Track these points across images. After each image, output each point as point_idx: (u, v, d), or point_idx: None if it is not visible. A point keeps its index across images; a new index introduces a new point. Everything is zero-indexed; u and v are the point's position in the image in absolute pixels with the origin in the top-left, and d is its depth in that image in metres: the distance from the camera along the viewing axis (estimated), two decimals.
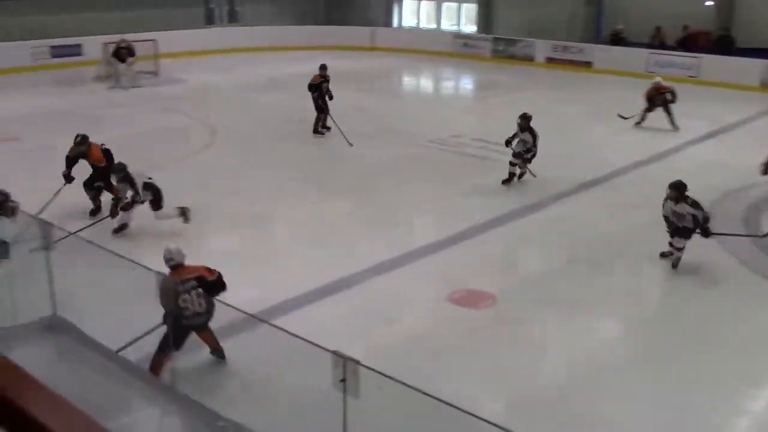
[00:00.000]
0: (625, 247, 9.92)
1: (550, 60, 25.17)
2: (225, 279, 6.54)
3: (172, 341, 6.00)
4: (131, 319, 6.60)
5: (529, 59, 25.56)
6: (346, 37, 27.98)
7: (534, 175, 12.44)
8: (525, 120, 12.25)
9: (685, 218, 8.93)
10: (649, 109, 16.35)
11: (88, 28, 22.97)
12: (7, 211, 7.41)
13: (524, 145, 12.19)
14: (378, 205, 11.50)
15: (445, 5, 29.76)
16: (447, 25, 29.87)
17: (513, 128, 15.21)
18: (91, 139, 10.86)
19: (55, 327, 4.75)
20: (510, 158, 12.32)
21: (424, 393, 4.28)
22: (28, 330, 4.69)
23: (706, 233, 8.98)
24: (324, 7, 30.32)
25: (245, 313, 5.84)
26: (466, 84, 25.27)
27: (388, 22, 30.46)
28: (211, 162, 13.78)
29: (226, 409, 5.33)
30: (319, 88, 15.32)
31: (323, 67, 15.59)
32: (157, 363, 5.99)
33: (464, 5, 29.17)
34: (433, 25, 30.07)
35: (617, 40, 25.29)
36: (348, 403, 4.40)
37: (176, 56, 23.61)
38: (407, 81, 25.75)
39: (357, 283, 8.70)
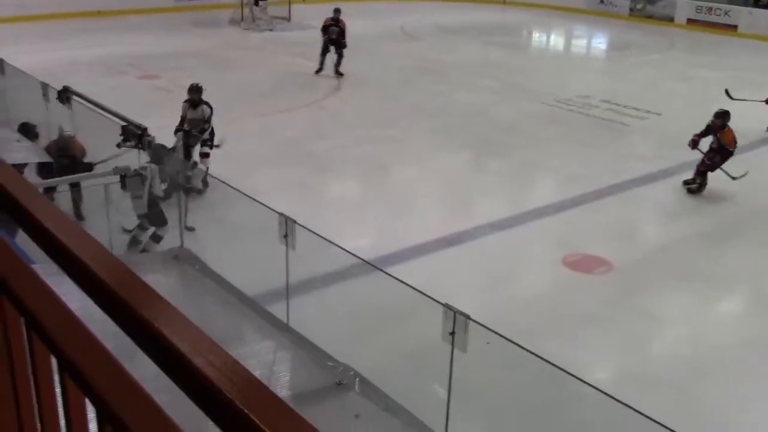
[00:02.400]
0: (758, 222, 9.41)
1: (692, 21, 23.84)
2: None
3: None
4: (250, 253, 6.86)
5: (668, 20, 24.31)
6: None
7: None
8: (196, 92, 9.60)
9: None
10: None
11: None
12: (144, 145, 7.78)
13: (195, 125, 9.46)
14: (497, 161, 11.36)
15: None
16: None
17: (646, 91, 14.59)
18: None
19: (182, 257, 4.99)
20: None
21: (532, 353, 4.26)
22: (158, 258, 4.97)
23: None
24: None
25: (360, 258, 5.95)
26: (599, 43, 24.35)
27: None
28: (337, 109, 13.97)
29: (335, 351, 5.48)
30: (327, 32, 15.57)
31: (335, 11, 15.80)
32: None
33: None
34: None
35: (767, 3, 23.63)
36: (455, 356, 4.44)
37: (308, 3, 23.88)
38: (537, 37, 25.07)
39: (473, 238, 8.67)
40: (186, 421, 0.98)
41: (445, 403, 4.67)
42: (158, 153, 7.45)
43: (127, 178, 6.99)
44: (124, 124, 7.47)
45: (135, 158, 7.52)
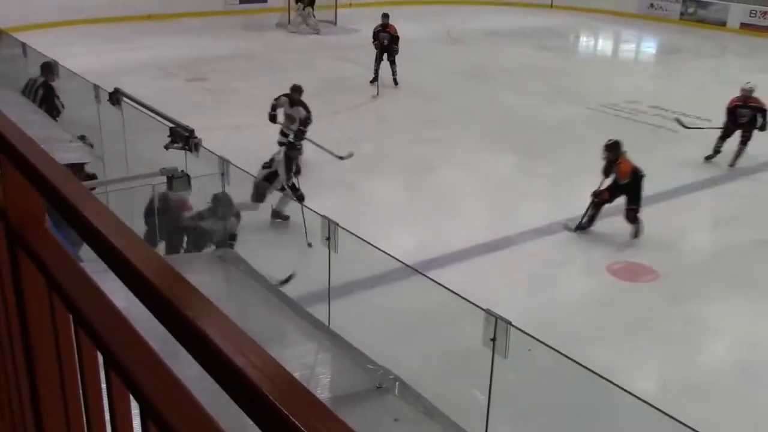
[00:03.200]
0: None
1: (745, 26, 23.35)
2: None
3: None
4: (294, 255, 6.92)
5: (720, 24, 23.83)
6: None
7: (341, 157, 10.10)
8: (298, 92, 10.47)
9: None
10: (726, 132, 11.38)
11: None
12: (191, 147, 7.89)
13: (291, 121, 10.28)
14: (542, 165, 11.26)
15: None
16: None
17: (696, 97, 14.32)
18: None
19: (227, 259, 5.05)
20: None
21: (574, 360, 4.22)
22: (203, 259, 5.04)
23: None
24: None
25: (402, 263, 5.96)
26: (648, 47, 23.98)
27: None
28: (382, 112, 14.01)
29: (376, 354, 5.48)
30: (377, 38, 15.23)
31: (383, 16, 15.50)
32: None
33: None
34: None
35: None
36: (496, 362, 4.41)
37: (353, 6, 24.01)
38: (585, 41, 24.80)
39: (516, 243, 8.62)
40: (227, 420, 0.99)
41: (484, 409, 4.65)
42: (220, 203, 7.18)
43: (174, 179, 7.10)
44: (172, 126, 7.59)
45: (182, 160, 7.63)
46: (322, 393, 3.83)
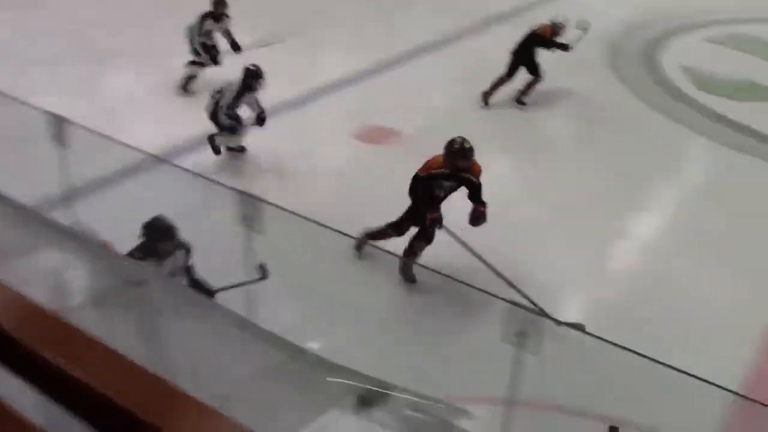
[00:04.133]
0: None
1: None
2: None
3: None
4: (25, 161, 6.40)
5: None
6: None
7: None
8: (223, 6, 9.12)
9: None
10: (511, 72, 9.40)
11: None
12: None
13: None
14: (291, 39, 11.10)
15: None
16: None
17: None
18: None
19: None
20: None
21: (326, 227, 4.40)
22: None
23: None
24: None
25: (146, 153, 5.75)
26: None
27: None
28: None
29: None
30: None
31: None
32: None
33: None
34: None
35: None
36: (254, 238, 4.48)
37: None
38: None
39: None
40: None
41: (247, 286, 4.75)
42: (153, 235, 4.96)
43: None
44: None
45: None
46: (78, 298, 3.68)
